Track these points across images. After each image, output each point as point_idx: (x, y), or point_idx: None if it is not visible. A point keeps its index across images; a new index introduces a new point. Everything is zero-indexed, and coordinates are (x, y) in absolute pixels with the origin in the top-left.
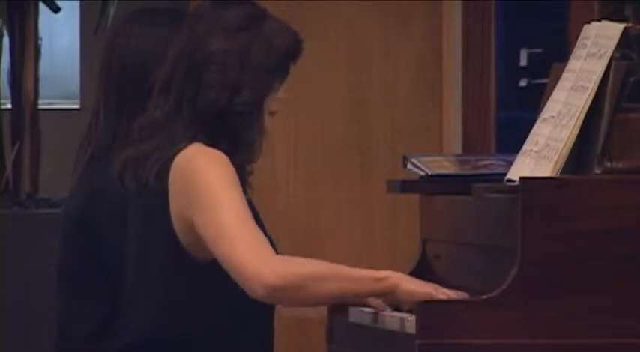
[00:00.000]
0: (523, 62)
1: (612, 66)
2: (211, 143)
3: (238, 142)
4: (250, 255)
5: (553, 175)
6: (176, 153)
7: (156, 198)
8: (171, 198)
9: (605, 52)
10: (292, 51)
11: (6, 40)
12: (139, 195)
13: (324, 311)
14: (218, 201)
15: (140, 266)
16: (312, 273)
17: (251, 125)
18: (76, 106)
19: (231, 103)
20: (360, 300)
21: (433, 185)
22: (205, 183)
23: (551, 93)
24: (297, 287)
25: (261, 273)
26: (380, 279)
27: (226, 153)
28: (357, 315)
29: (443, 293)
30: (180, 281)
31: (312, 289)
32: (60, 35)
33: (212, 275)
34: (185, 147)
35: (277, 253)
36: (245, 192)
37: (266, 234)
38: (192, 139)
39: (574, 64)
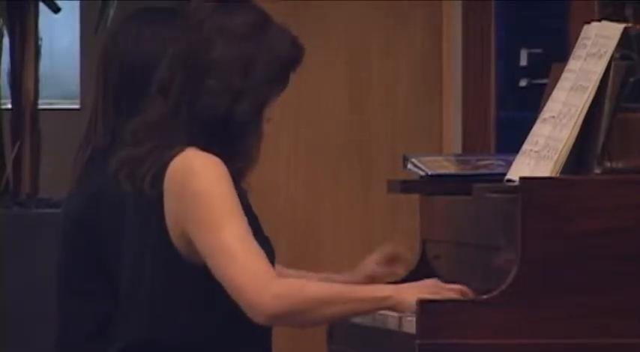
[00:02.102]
0: (523, 62)
1: (612, 66)
2: (207, 149)
3: (236, 150)
4: (251, 281)
5: (553, 175)
6: (171, 159)
7: (151, 203)
8: (166, 202)
9: (605, 52)
10: (295, 60)
11: (6, 40)
12: (135, 201)
13: None
14: (218, 218)
15: (136, 270)
16: (313, 298)
17: (249, 134)
18: (76, 106)
19: (231, 112)
20: None
21: (433, 185)
22: (203, 194)
23: (551, 93)
24: (300, 312)
25: (263, 301)
26: (383, 298)
27: (223, 160)
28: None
29: (448, 290)
30: (176, 284)
31: (315, 313)
32: (60, 35)
33: (208, 278)
34: (181, 151)
35: (275, 261)
36: (241, 196)
37: (264, 238)
38: (188, 144)
39: (574, 64)
